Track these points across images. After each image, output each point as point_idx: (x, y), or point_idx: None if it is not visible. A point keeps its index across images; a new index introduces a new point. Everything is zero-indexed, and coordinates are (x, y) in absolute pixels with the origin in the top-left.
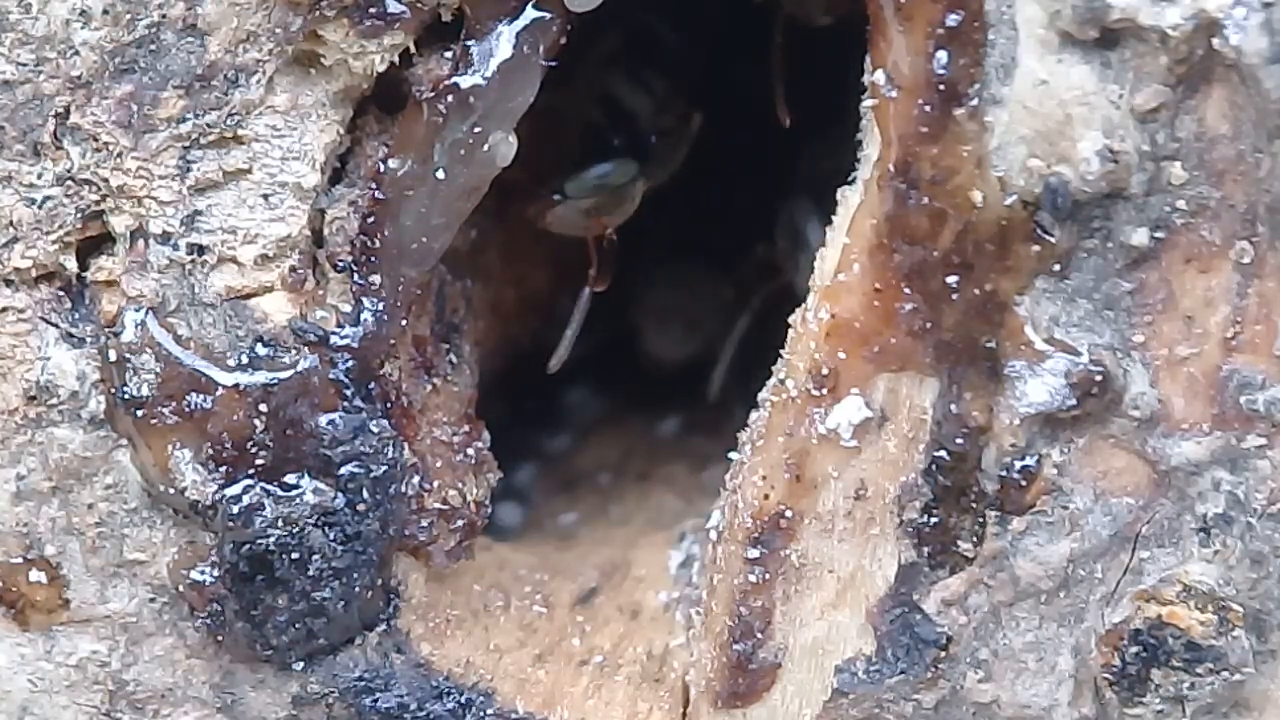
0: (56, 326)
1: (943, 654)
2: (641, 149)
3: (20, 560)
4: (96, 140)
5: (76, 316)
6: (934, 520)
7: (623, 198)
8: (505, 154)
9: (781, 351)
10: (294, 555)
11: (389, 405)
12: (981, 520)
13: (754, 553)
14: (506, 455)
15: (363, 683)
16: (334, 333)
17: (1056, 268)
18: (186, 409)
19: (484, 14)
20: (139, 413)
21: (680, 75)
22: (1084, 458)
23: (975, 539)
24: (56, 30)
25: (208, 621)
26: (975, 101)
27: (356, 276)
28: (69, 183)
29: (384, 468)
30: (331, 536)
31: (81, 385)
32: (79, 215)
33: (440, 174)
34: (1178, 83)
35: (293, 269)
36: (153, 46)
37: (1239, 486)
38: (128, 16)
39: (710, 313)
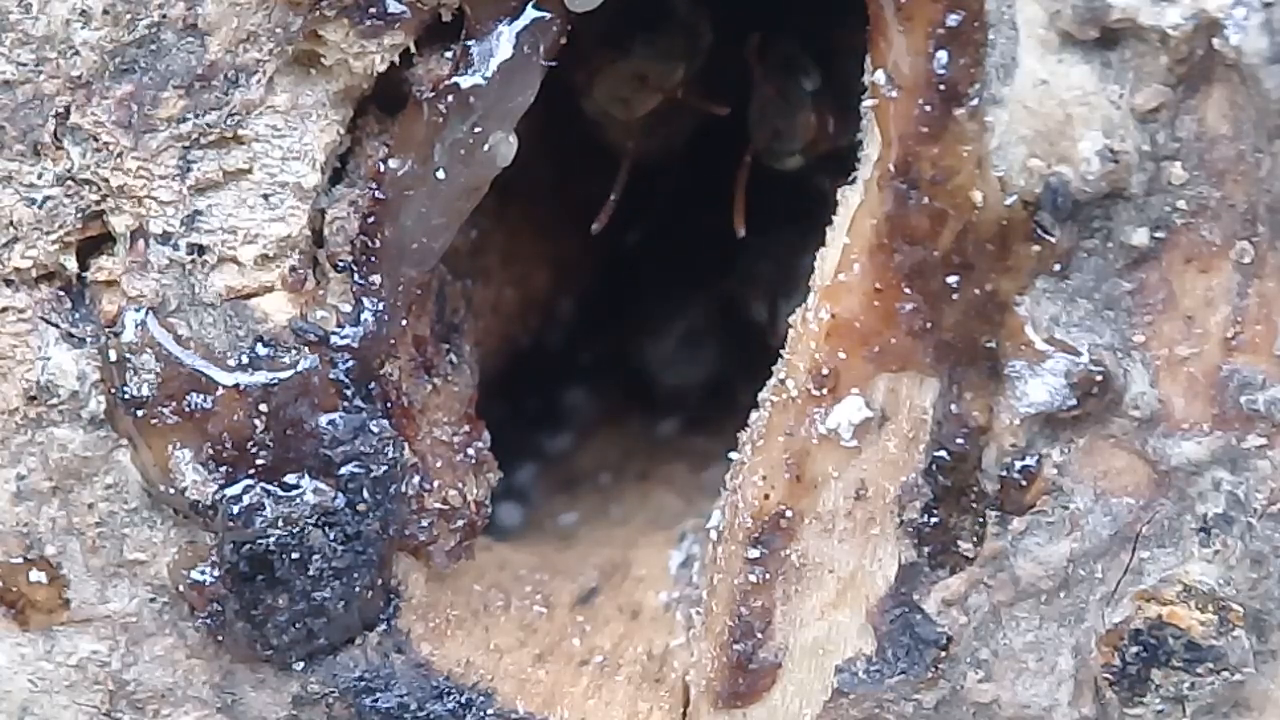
0: (56, 326)
1: (943, 654)
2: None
3: (20, 560)
4: (96, 140)
5: (76, 316)
6: (934, 520)
7: (670, 73)
8: (505, 154)
9: (781, 351)
10: (294, 555)
11: (389, 405)
12: (982, 520)
13: (754, 553)
14: (506, 455)
15: (363, 683)
16: (334, 333)
17: (1057, 268)
18: (187, 409)
19: (484, 14)
20: (139, 413)
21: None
22: (1084, 458)
23: (975, 539)
24: (56, 30)
25: (208, 621)
26: (975, 101)
27: (357, 276)
28: (69, 183)
29: (384, 468)
30: (332, 536)
31: (81, 385)
32: (79, 215)
33: (440, 174)
34: (1178, 83)
35: (293, 269)
36: (153, 46)
37: (1239, 486)
38: (128, 16)
39: (715, 333)
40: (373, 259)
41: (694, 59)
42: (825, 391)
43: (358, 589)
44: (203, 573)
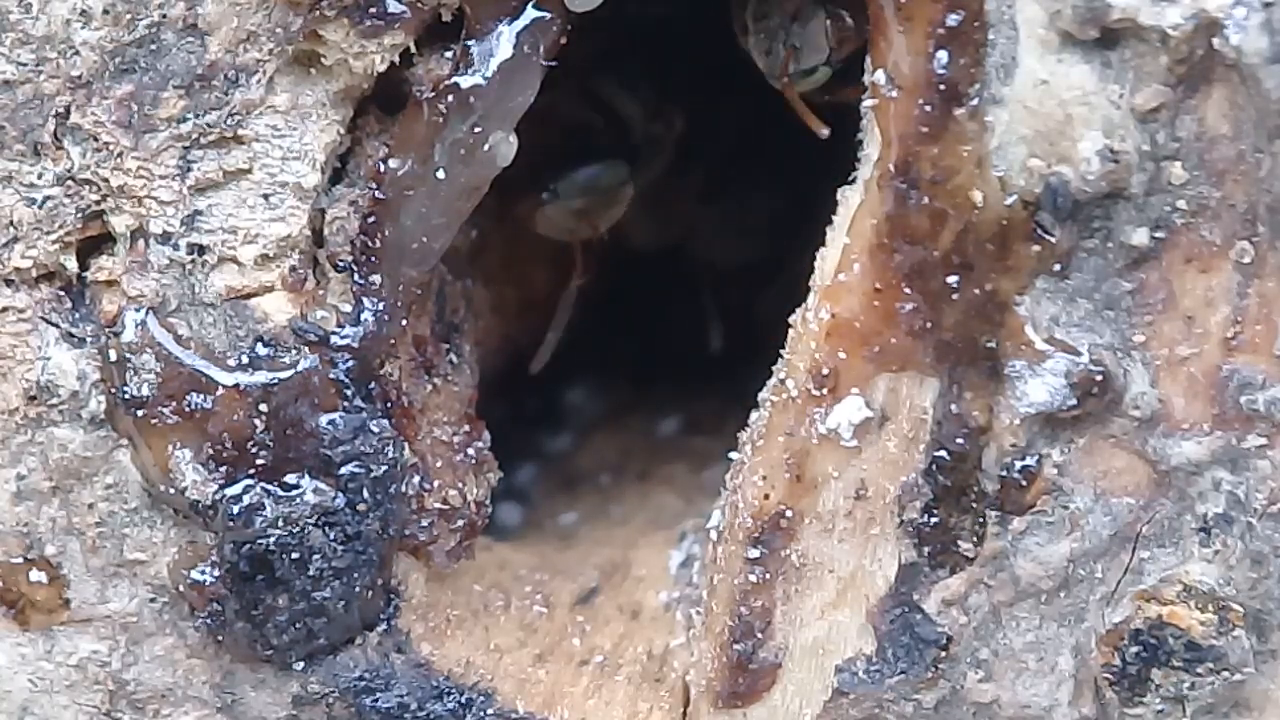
0: (57, 326)
1: (943, 654)
2: (631, 153)
3: (20, 560)
4: (97, 140)
5: (77, 316)
6: (934, 520)
7: (612, 200)
8: (505, 154)
9: (781, 351)
10: (294, 555)
11: (389, 405)
12: (982, 520)
13: (754, 553)
14: (506, 455)
15: (363, 682)
16: (334, 333)
17: (1057, 268)
18: (187, 409)
19: (484, 14)
20: (139, 412)
21: (667, 77)
22: (1084, 458)
23: (975, 539)
24: (57, 30)
25: (208, 621)
26: (975, 101)
27: (357, 276)
28: (69, 183)
29: (384, 468)
30: (332, 536)
31: (82, 385)
32: (79, 215)
33: (440, 174)
34: (1178, 83)
35: (293, 269)
36: (153, 46)
37: (1239, 486)
38: (128, 16)
39: (763, 220)
40: (373, 259)
41: (652, 167)
42: (825, 391)
43: (358, 589)
44: (203, 573)
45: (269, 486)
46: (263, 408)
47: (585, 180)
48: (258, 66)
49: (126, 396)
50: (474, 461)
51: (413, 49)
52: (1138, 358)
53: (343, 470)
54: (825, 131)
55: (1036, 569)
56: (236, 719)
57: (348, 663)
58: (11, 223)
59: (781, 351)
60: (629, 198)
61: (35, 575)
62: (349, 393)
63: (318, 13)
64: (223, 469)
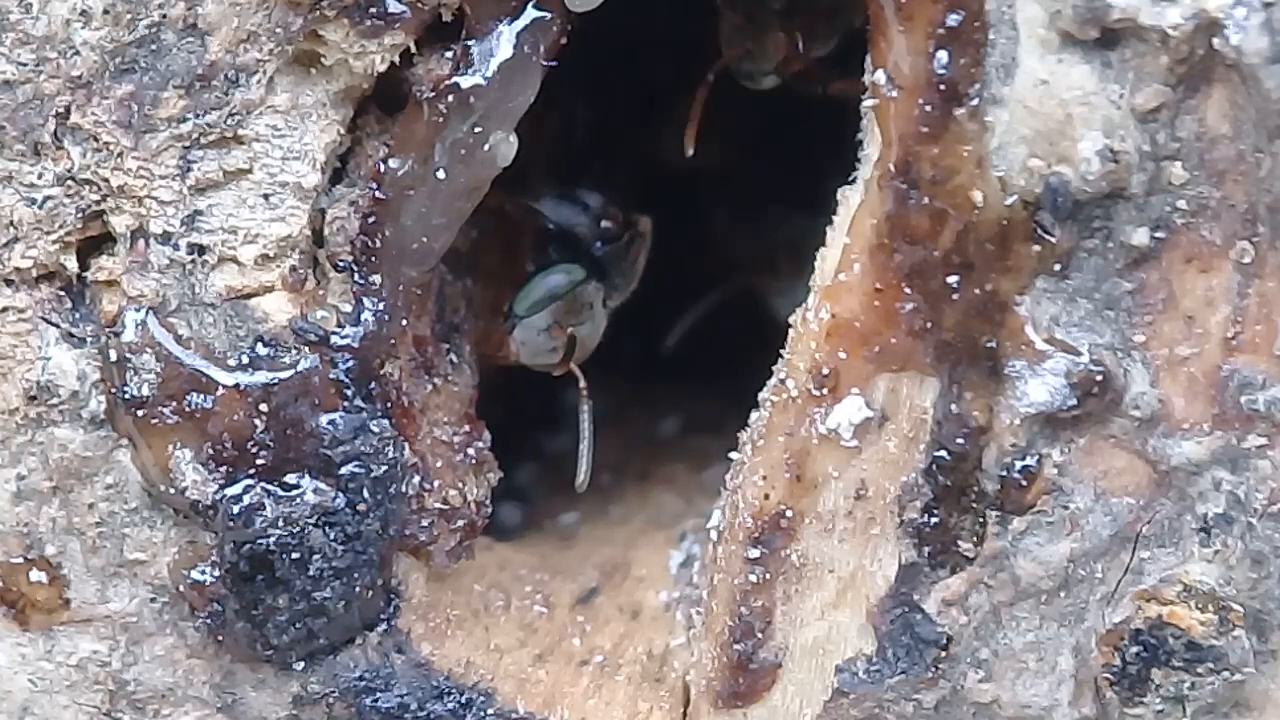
0: (57, 326)
1: (943, 654)
2: (589, 260)
3: (21, 560)
4: (97, 140)
5: (77, 316)
6: (934, 520)
7: (579, 305)
8: (506, 154)
9: (781, 351)
10: (294, 555)
11: (389, 405)
12: (982, 520)
13: (754, 553)
14: (506, 455)
15: (363, 682)
16: (334, 333)
17: (1057, 267)
18: (187, 409)
19: (484, 14)
20: (139, 412)
21: (619, 181)
22: (1084, 458)
23: (975, 539)
24: (57, 30)
25: (208, 621)
26: (976, 101)
27: (357, 276)
28: (69, 183)
29: (384, 468)
30: (332, 536)
31: (82, 385)
32: (79, 215)
33: (441, 174)
34: (1178, 83)
35: (293, 269)
36: (153, 46)
37: (1239, 486)
38: (128, 16)
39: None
40: (373, 259)
41: (623, 271)
42: (825, 391)
43: (358, 589)
44: (203, 573)
45: (269, 486)
46: (263, 408)
47: (544, 291)
48: (258, 66)
49: (126, 396)
50: (474, 461)
51: (413, 49)
52: (1138, 358)
53: (343, 470)
54: (690, 150)
55: (1036, 569)
56: (236, 719)
57: (348, 663)
58: (11, 223)
59: (781, 351)
60: (599, 304)
61: (35, 575)
62: (349, 393)
63: (318, 13)
64: (223, 469)
